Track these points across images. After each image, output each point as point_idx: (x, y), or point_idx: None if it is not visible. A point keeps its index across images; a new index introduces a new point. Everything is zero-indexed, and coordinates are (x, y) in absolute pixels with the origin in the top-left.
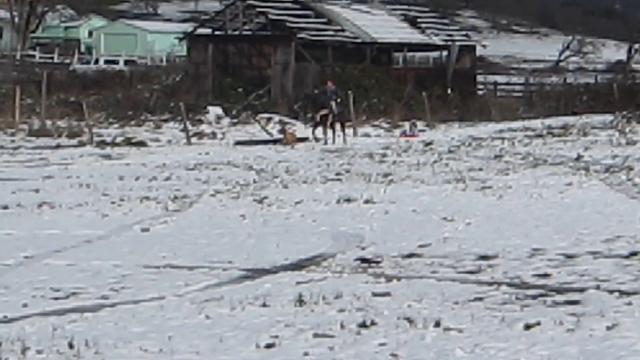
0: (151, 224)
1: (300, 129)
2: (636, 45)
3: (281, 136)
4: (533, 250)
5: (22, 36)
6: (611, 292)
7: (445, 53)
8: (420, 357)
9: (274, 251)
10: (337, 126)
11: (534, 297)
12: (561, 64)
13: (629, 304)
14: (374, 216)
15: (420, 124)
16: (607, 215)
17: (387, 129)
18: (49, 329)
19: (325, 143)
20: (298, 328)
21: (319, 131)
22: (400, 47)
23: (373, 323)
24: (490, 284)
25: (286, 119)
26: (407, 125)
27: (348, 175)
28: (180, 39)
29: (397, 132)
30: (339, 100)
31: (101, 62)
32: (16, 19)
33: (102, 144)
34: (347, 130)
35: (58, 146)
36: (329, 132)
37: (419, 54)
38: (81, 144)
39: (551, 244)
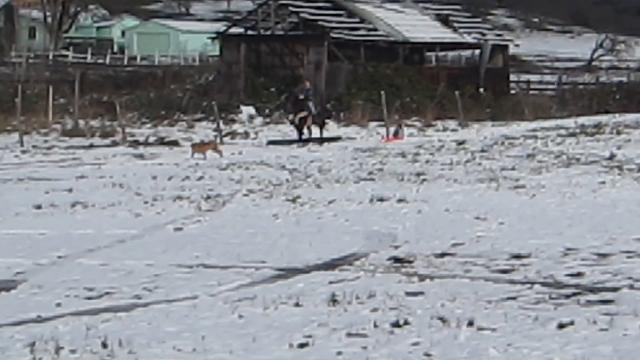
0: (184, 224)
1: (332, 127)
2: None
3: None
4: (566, 250)
5: (55, 36)
6: None
7: (477, 52)
8: (453, 357)
9: (307, 250)
10: (315, 125)
11: (568, 296)
12: (594, 62)
13: None
14: (407, 215)
15: (452, 123)
16: None
17: (419, 128)
18: (82, 328)
19: (302, 145)
20: (331, 327)
21: (306, 132)
22: (432, 46)
23: (406, 322)
24: (523, 283)
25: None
26: (394, 126)
27: (381, 174)
28: (213, 39)
29: (381, 132)
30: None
31: None
32: (49, 19)
33: (135, 143)
34: (324, 130)
35: (91, 146)
36: (306, 132)
37: (451, 53)
38: (114, 144)
39: (584, 243)
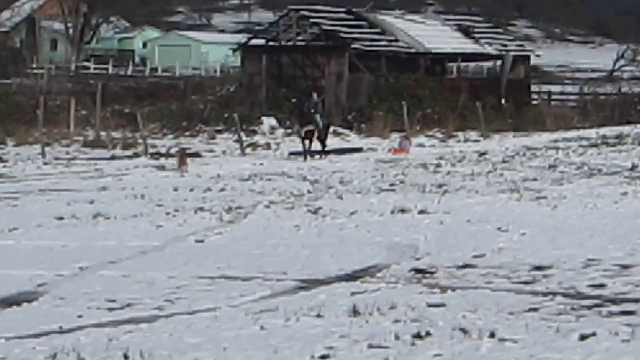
0: (206, 235)
1: (354, 139)
2: None
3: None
4: (588, 261)
5: (77, 48)
6: None
7: (499, 63)
8: None
9: (329, 262)
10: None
11: (589, 307)
12: (615, 73)
13: None
14: (429, 226)
15: (474, 134)
16: None
17: (441, 139)
18: (104, 340)
19: (305, 159)
20: (353, 339)
21: (307, 144)
22: (454, 57)
23: (428, 334)
24: (545, 294)
25: (340, 129)
26: (398, 138)
27: (402, 185)
28: (234, 50)
29: (393, 144)
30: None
31: None
32: (71, 31)
33: (156, 155)
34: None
35: (113, 157)
36: (311, 146)
37: (472, 64)
38: (136, 155)
39: (606, 254)
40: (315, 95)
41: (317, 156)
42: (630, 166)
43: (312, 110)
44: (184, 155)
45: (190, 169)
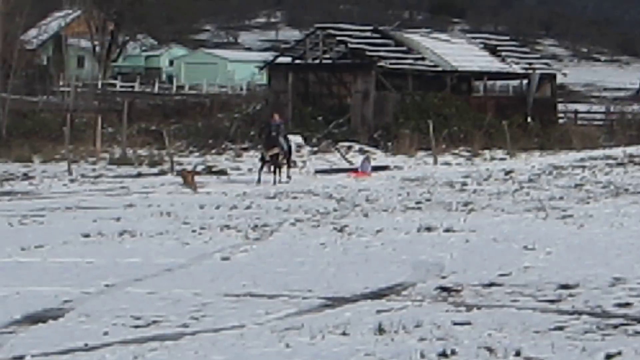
0: (232, 253)
1: (380, 157)
2: None
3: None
4: (614, 280)
5: (104, 65)
6: None
7: (525, 81)
8: None
9: (354, 280)
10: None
11: (615, 326)
12: None
13: None
14: (454, 245)
15: (500, 153)
16: None
17: (467, 157)
18: (129, 357)
19: (274, 183)
20: (378, 357)
21: (263, 171)
22: (480, 75)
23: (453, 352)
24: (571, 313)
25: (366, 148)
26: (360, 159)
27: (428, 203)
28: (261, 68)
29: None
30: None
31: None
32: (97, 49)
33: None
34: (290, 165)
35: (139, 175)
36: (277, 170)
37: (499, 83)
38: (162, 173)
39: (632, 273)
40: (276, 117)
41: (286, 179)
42: None
43: (274, 134)
44: (189, 174)
45: (197, 187)
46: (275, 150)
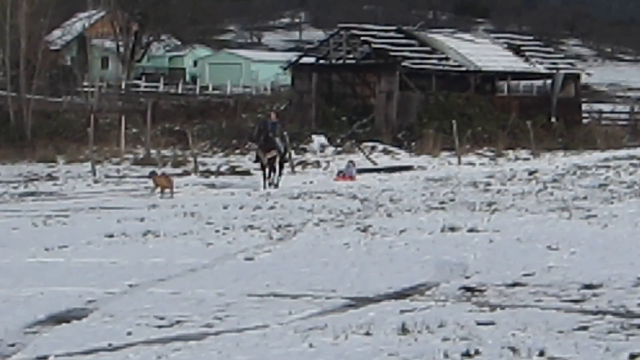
0: (255, 253)
1: (404, 157)
2: None
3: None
4: (638, 279)
5: (128, 66)
6: None
7: (549, 81)
8: None
9: (378, 280)
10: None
11: (639, 326)
12: None
13: None
14: (478, 245)
15: (524, 153)
16: None
17: (491, 157)
18: (153, 357)
19: (264, 187)
20: (402, 357)
21: (267, 173)
22: (504, 75)
23: (477, 352)
24: (595, 313)
25: (390, 147)
26: (345, 163)
27: (452, 204)
28: (285, 68)
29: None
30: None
31: None
32: (121, 49)
33: (206, 172)
34: (283, 171)
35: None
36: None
37: (523, 82)
38: (186, 173)
39: None
40: (273, 116)
41: (273, 186)
42: None
43: (271, 135)
44: (161, 178)
45: (165, 192)
46: (274, 153)
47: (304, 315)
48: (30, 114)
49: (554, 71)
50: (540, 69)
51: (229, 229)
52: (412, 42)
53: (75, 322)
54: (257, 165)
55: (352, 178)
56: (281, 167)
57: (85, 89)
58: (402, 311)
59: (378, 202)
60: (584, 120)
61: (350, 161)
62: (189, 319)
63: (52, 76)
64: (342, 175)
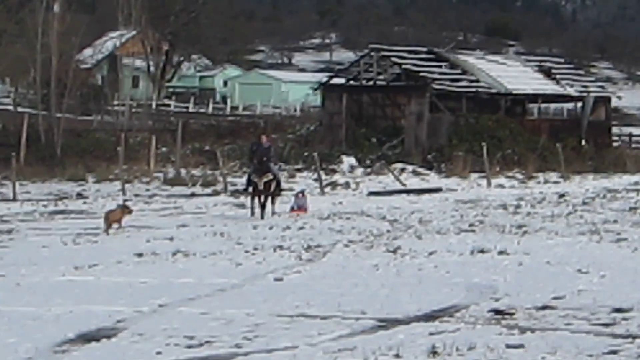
0: (285, 273)
1: (433, 179)
2: None
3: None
4: None
5: (158, 85)
6: None
7: (580, 104)
8: None
9: (407, 301)
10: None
11: None
12: None
13: None
14: (508, 267)
15: (554, 175)
16: None
17: (521, 180)
18: None
19: (252, 214)
20: None
21: (255, 202)
22: (534, 98)
23: None
24: (625, 337)
25: (419, 169)
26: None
27: (482, 226)
28: (315, 89)
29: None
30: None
31: None
32: (152, 69)
33: (236, 192)
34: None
35: (192, 195)
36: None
37: (553, 105)
38: (215, 193)
39: None
40: (264, 139)
41: (272, 214)
42: None
43: (265, 159)
44: (112, 213)
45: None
46: (270, 177)
47: (333, 337)
48: (60, 133)
49: (585, 94)
50: (571, 91)
51: (259, 249)
52: (443, 63)
53: (105, 341)
54: (287, 185)
55: (303, 210)
56: (274, 197)
57: (116, 108)
58: (431, 333)
59: (408, 224)
60: (614, 144)
61: (300, 192)
62: (218, 339)
63: (82, 95)
64: (292, 209)
